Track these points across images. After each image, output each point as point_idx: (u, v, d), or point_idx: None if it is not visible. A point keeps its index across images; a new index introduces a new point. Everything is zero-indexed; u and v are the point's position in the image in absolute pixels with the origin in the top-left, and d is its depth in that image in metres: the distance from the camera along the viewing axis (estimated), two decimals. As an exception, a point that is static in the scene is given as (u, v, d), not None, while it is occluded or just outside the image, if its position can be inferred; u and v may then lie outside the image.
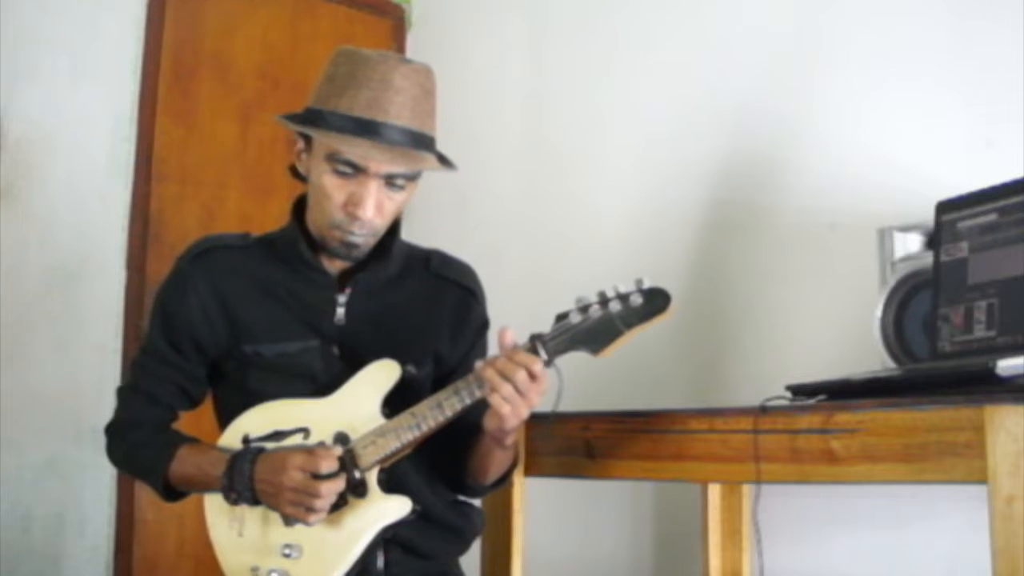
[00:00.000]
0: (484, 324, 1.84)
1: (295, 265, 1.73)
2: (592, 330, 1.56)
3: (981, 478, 1.37)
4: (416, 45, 3.51)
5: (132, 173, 2.95)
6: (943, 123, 2.22)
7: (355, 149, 1.59)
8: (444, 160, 1.70)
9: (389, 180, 1.62)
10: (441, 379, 1.70)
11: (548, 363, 1.56)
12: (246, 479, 1.58)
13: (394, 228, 1.75)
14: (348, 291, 1.72)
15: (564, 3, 3.10)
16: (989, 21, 2.17)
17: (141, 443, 1.73)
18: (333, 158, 1.61)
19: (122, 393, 1.79)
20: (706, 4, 2.72)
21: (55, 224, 2.86)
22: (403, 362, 1.67)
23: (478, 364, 1.56)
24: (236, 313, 1.72)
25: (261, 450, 1.61)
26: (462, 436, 1.68)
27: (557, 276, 2.88)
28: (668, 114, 2.75)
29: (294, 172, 1.73)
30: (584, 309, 1.57)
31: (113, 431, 1.77)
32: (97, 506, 2.81)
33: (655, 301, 1.55)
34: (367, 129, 1.59)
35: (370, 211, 1.62)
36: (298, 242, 1.71)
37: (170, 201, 3.02)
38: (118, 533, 2.83)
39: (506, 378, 1.51)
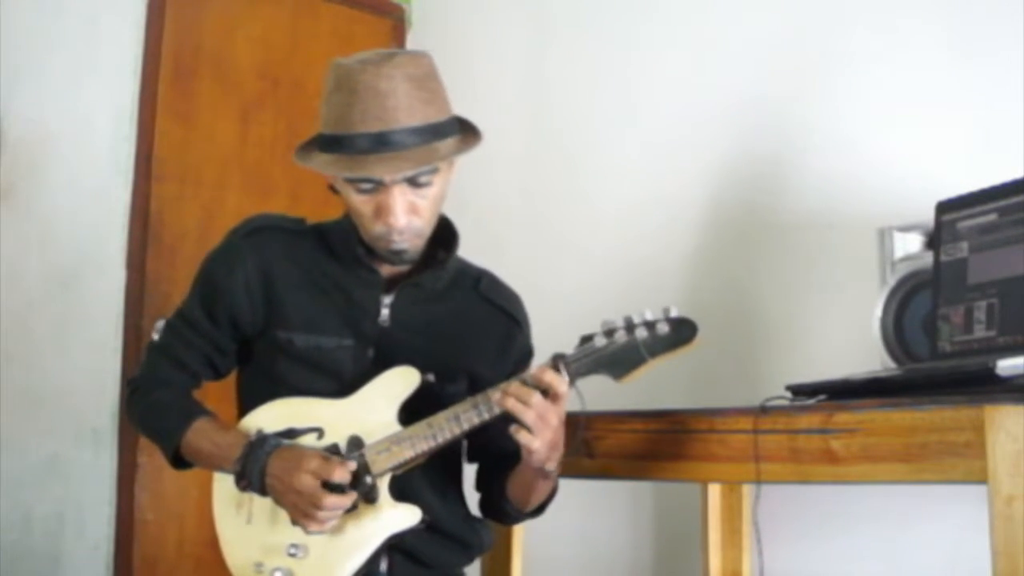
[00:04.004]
0: (528, 354, 1.83)
1: (346, 260, 1.72)
2: (616, 355, 1.56)
3: (981, 478, 1.37)
4: (416, 45, 3.51)
5: (132, 173, 2.95)
6: (943, 123, 2.22)
7: (361, 170, 1.58)
8: (468, 130, 1.68)
9: (412, 181, 1.61)
10: None
11: (570, 384, 1.56)
12: (259, 470, 1.58)
13: (451, 242, 1.76)
14: (394, 294, 1.72)
15: (565, 4, 3.10)
16: (989, 21, 2.17)
17: (162, 404, 1.72)
18: (349, 179, 1.61)
19: (151, 351, 1.78)
20: (706, 5, 2.72)
21: (55, 224, 2.86)
22: (429, 371, 1.67)
23: (493, 390, 1.56)
24: (278, 297, 1.71)
25: (279, 443, 1.60)
26: (505, 462, 1.68)
27: (558, 276, 2.88)
28: (668, 114, 2.75)
29: (332, 189, 1.71)
30: (609, 333, 1.56)
31: (136, 386, 1.77)
32: (97, 506, 2.82)
33: (682, 331, 1.55)
34: (370, 143, 1.57)
35: (401, 218, 1.61)
36: (352, 238, 1.71)
37: (170, 201, 3.02)
38: (118, 533, 2.83)
39: (525, 403, 1.51)
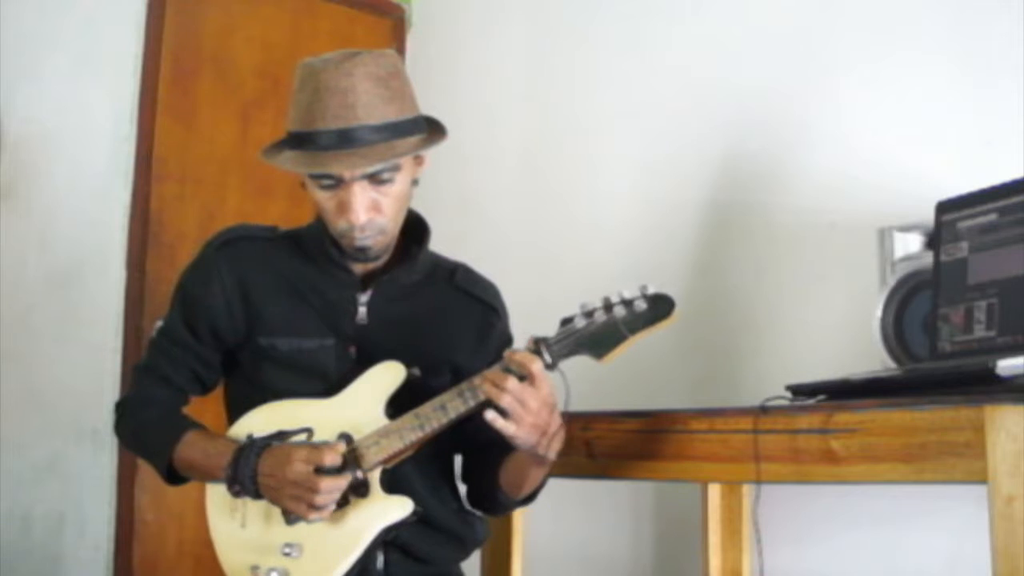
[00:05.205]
0: (508, 341, 1.84)
1: (320, 262, 1.74)
2: (596, 335, 1.57)
3: (981, 478, 1.37)
4: (416, 45, 3.51)
5: (132, 173, 2.95)
6: (943, 123, 2.22)
7: (321, 167, 1.60)
8: (435, 129, 1.69)
9: (373, 178, 1.62)
10: None
11: (551, 366, 1.56)
12: (250, 472, 1.58)
13: (422, 236, 1.77)
14: (370, 292, 1.73)
15: (564, 3, 3.10)
16: (989, 21, 2.17)
17: (150, 422, 1.73)
18: (311, 175, 1.63)
19: (137, 371, 1.80)
20: (706, 5, 2.72)
21: (55, 224, 2.86)
22: (412, 365, 1.67)
23: (477, 377, 1.57)
24: (256, 305, 1.72)
25: (267, 444, 1.61)
26: (493, 451, 1.68)
27: (558, 276, 2.88)
28: (668, 114, 2.75)
29: (304, 187, 1.73)
30: (588, 314, 1.58)
31: (124, 408, 1.78)
32: (97, 506, 2.81)
33: (659, 307, 1.56)
34: (331, 140, 1.59)
35: (361, 215, 1.62)
36: (324, 240, 1.72)
37: (170, 201, 3.02)
38: (118, 533, 2.83)
39: (499, 387, 1.52)
